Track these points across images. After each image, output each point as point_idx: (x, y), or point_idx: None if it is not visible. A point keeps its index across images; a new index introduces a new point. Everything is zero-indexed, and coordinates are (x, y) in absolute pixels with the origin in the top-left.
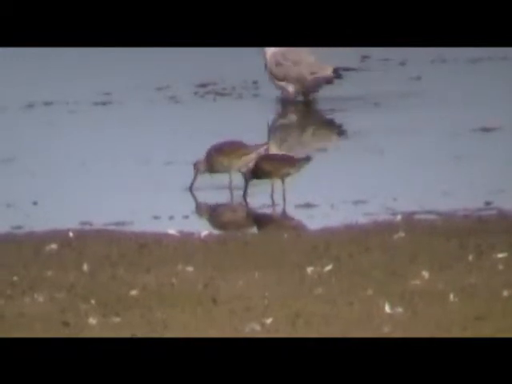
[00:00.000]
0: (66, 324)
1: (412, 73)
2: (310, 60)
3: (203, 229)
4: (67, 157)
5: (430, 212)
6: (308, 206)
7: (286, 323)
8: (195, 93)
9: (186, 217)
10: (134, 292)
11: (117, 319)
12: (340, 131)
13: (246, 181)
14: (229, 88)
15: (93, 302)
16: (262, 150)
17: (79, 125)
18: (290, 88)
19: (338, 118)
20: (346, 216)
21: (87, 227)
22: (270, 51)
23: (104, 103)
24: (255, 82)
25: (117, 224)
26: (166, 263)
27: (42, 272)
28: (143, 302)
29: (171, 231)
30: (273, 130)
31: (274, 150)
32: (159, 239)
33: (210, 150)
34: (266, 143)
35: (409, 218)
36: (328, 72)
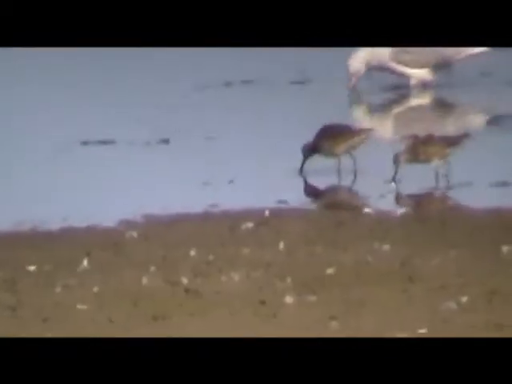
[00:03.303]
0: (262, 302)
1: None
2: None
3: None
4: None
5: None
6: (504, 184)
7: (481, 301)
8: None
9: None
10: (330, 270)
11: (313, 298)
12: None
13: (397, 165)
14: None
15: (289, 280)
16: (365, 135)
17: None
18: (424, 73)
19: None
20: None
21: (283, 206)
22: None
23: None
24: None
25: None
26: (363, 241)
27: (238, 250)
28: (339, 280)
29: (367, 209)
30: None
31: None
32: (356, 215)
33: (319, 133)
34: (371, 129)
35: None
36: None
